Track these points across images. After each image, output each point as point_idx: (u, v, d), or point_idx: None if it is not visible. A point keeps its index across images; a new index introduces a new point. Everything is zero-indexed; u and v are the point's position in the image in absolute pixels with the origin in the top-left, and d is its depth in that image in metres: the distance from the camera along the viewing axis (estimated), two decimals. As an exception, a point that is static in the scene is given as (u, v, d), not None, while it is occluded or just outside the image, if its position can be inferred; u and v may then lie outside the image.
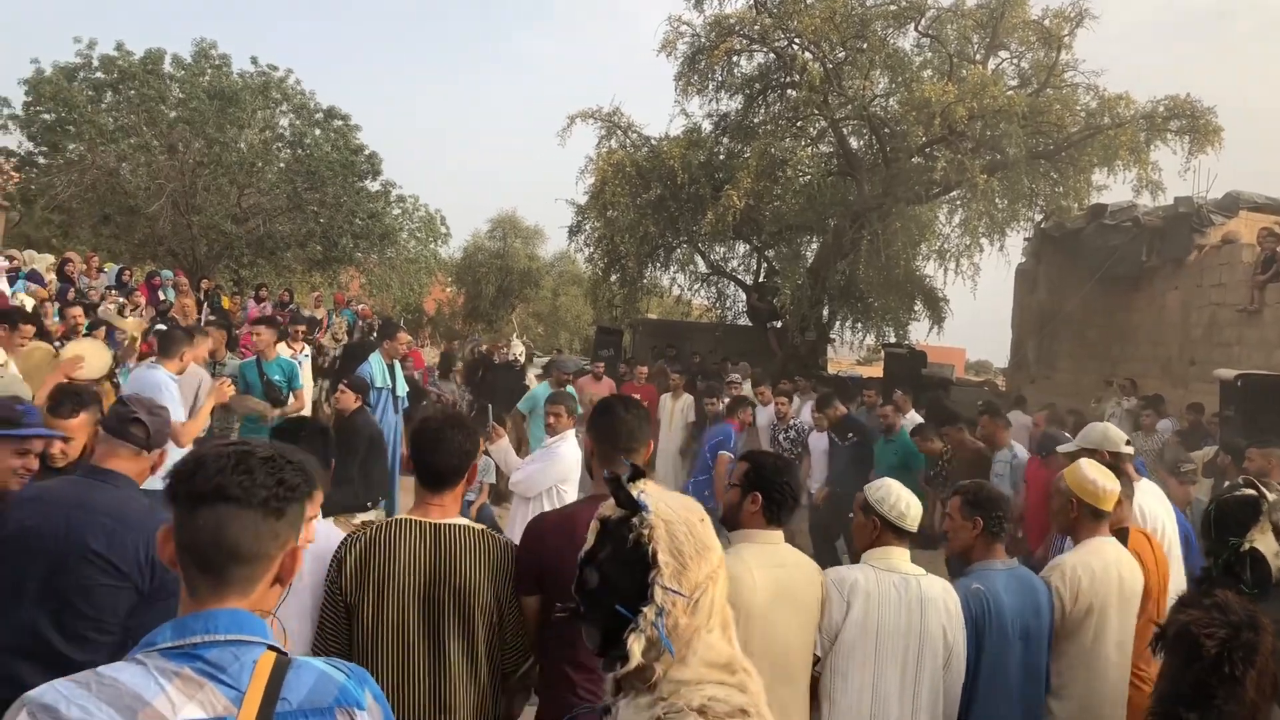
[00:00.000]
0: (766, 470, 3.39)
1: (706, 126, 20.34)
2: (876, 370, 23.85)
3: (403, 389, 9.55)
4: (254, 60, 24.35)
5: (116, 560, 2.97)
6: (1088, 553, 3.88)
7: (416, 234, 26.55)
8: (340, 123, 24.79)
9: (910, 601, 3.41)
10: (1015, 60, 18.99)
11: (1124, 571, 3.86)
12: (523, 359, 14.56)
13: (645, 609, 1.48)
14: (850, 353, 28.54)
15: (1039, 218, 18.48)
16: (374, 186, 24.90)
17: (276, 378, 8.74)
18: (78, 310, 9.65)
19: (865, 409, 12.24)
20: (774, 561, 3.26)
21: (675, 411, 12.04)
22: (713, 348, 20.45)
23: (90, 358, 7.64)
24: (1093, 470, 3.97)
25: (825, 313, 20.43)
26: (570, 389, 9.90)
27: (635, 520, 1.54)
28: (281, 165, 23.91)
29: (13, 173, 23.25)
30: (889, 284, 18.49)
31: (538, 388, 10.36)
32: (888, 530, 3.54)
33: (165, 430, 3.45)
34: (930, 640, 3.40)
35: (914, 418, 10.93)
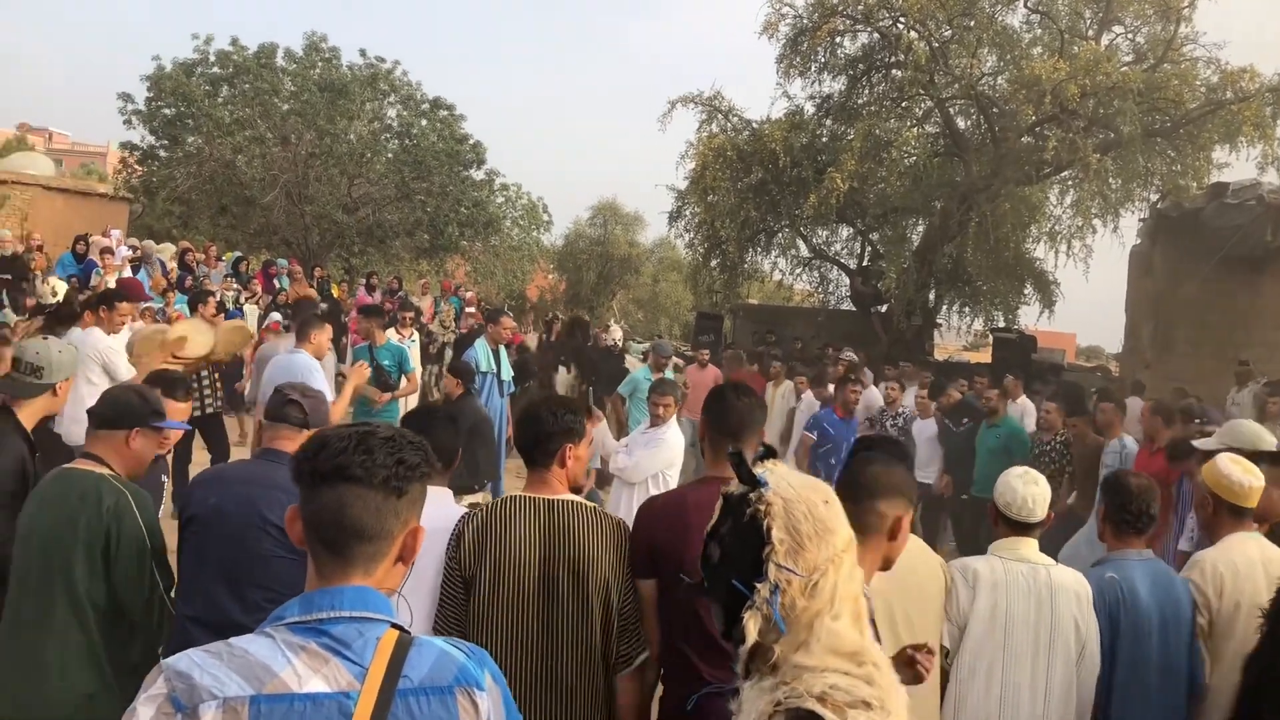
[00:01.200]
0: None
1: (809, 109, 20.10)
2: (985, 356, 23.32)
3: (508, 374, 9.70)
4: (363, 52, 24.88)
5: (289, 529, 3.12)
6: (1227, 549, 3.68)
7: (519, 222, 26.87)
8: (446, 113, 25.17)
9: (1040, 590, 3.31)
10: (1130, 35, 18.35)
11: (1272, 569, 3.59)
12: (621, 344, 14.64)
13: (760, 585, 1.48)
14: (957, 338, 27.98)
15: (1155, 198, 17.81)
16: (478, 175, 25.25)
17: (386, 363, 8.95)
18: (209, 304, 9.95)
19: (974, 395, 12.00)
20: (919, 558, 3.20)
21: (776, 398, 11.99)
22: (815, 333, 20.24)
23: (193, 337, 7.93)
24: (1231, 465, 3.74)
25: (931, 297, 20.06)
26: (670, 373, 9.92)
27: (753, 496, 1.54)
28: (390, 155, 24.39)
29: (136, 166, 24.30)
30: (998, 267, 18.07)
31: (638, 371, 10.40)
32: (1010, 524, 3.46)
33: (321, 409, 3.62)
34: (1062, 631, 3.29)
35: (1025, 404, 10.67)
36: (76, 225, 18.47)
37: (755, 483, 1.54)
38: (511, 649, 2.94)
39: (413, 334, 11.77)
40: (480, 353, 9.40)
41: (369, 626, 1.59)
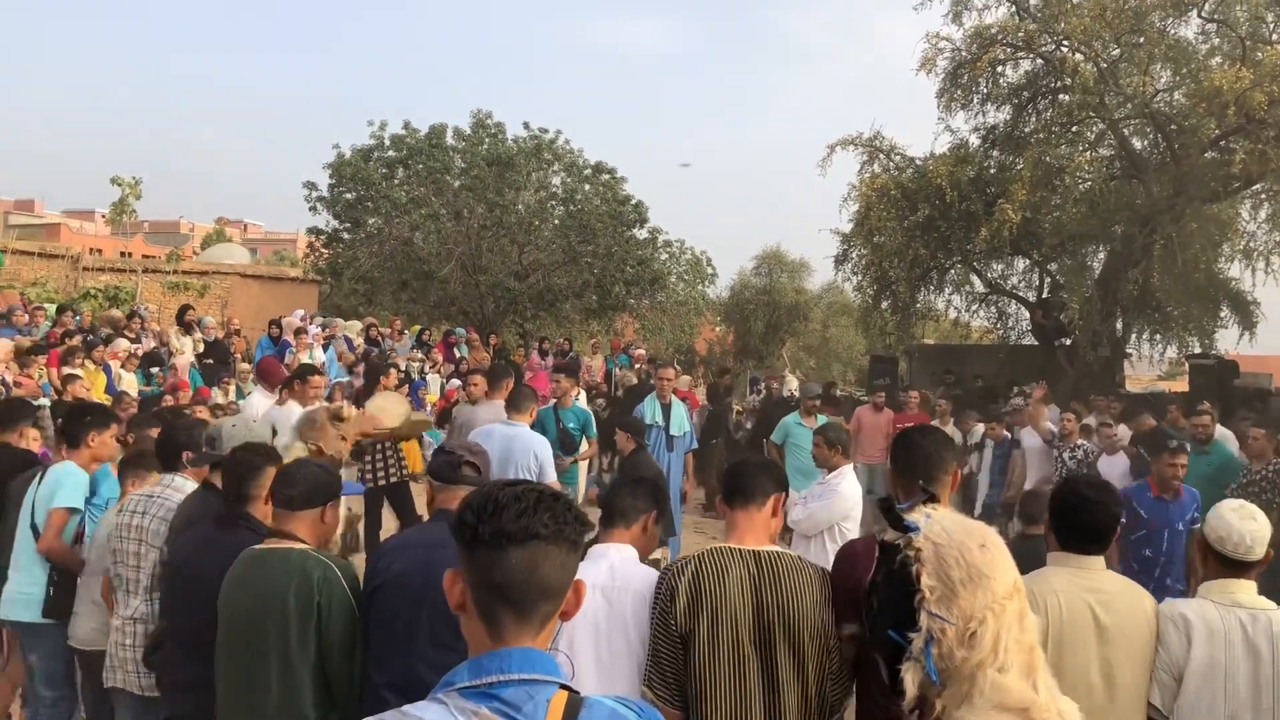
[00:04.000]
0: (1082, 496, 3.17)
1: (974, 141, 19.62)
2: (1183, 385, 21.98)
3: (679, 428, 9.62)
4: (526, 125, 25.74)
5: None
6: None
7: (684, 276, 27.06)
8: (607, 176, 25.72)
9: (1258, 640, 2.97)
10: (1319, 35, 17.19)
11: None
12: (798, 393, 14.44)
13: (914, 635, 1.41)
14: (1150, 367, 26.49)
15: (1360, 205, 16.54)
16: (642, 234, 25.62)
17: (571, 425, 9.10)
18: (391, 375, 10.41)
19: (1169, 425, 11.30)
20: (1087, 587, 3.01)
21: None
22: (997, 370, 19.53)
23: (389, 409, 8.25)
24: None
25: (1119, 326, 19.10)
26: (821, 418, 9.66)
27: (902, 542, 1.47)
28: (556, 221, 25.05)
29: (323, 249, 25.78)
30: (1189, 290, 17.07)
31: (788, 417, 10.07)
32: (1225, 563, 3.16)
33: (489, 466, 3.70)
34: None
35: (1223, 433, 9.97)
36: (271, 308, 19.67)
37: (904, 528, 1.47)
38: (736, 703, 2.89)
39: (579, 393, 11.95)
40: (649, 407, 9.44)
41: (539, 688, 1.58)
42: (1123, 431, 10.45)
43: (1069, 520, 3.14)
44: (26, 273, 20.48)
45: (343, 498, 3.86)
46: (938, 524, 1.49)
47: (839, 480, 5.93)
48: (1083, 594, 2.97)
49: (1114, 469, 9.36)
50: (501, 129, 25.49)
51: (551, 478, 6.77)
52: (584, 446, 9.27)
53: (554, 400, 9.50)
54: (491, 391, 7.45)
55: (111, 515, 4.71)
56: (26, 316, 13.66)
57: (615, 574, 3.21)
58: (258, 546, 3.46)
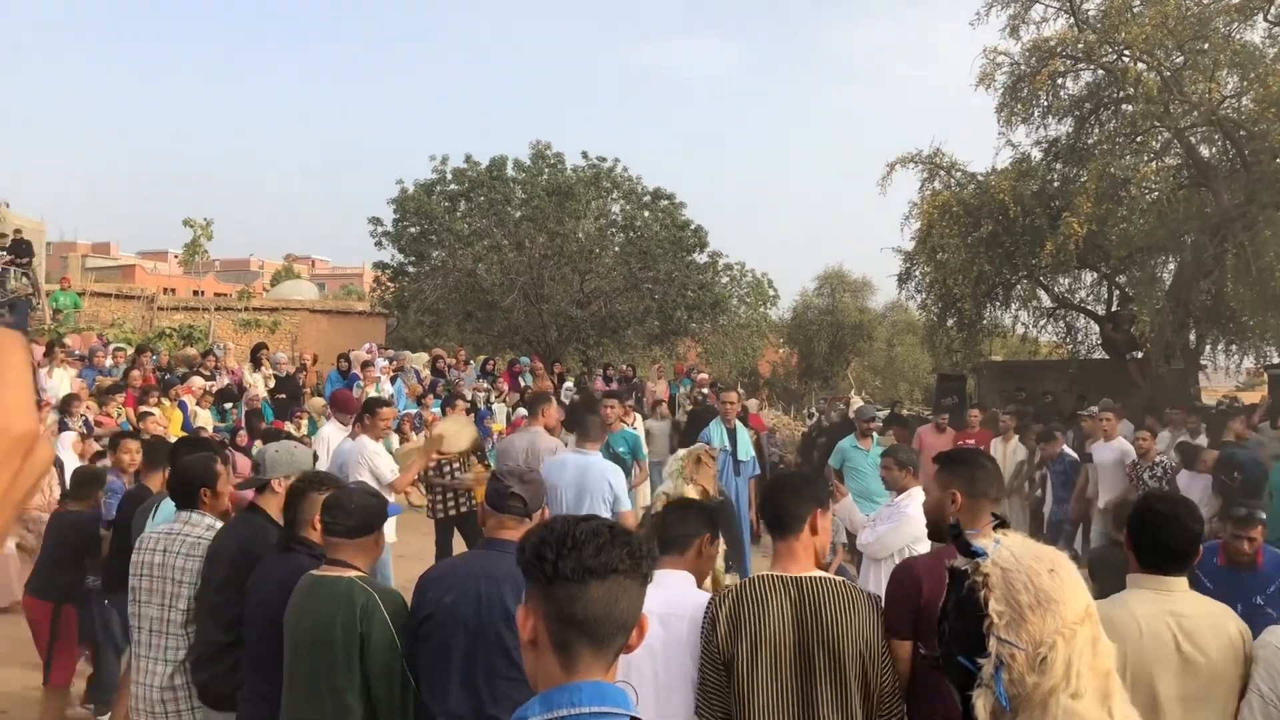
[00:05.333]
0: (1160, 513, 3.10)
1: (1036, 154, 19.42)
2: (1260, 396, 21.39)
3: (746, 453, 9.57)
4: (585, 154, 25.99)
5: None
6: None
7: (746, 299, 27.04)
8: (666, 202, 25.85)
9: None
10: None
11: None
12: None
13: (983, 661, 1.41)
14: (1226, 379, 25.83)
15: None
16: (702, 258, 25.67)
17: (621, 449, 9.12)
18: (457, 405, 10.55)
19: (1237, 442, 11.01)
20: (1168, 610, 2.93)
21: (1007, 455, 11.52)
22: (1067, 386, 19.21)
23: (453, 434, 8.34)
24: None
25: (1192, 337, 18.69)
26: (876, 439, 9.55)
27: (969, 568, 1.48)
28: (616, 249, 25.22)
29: (388, 283, 26.21)
30: (1264, 299, 16.64)
31: (844, 440, 9.94)
32: None
33: (541, 492, 3.70)
34: None
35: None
36: (340, 342, 20.02)
37: (972, 553, 1.48)
38: None
39: (635, 419, 11.96)
40: (714, 432, 9.40)
41: None
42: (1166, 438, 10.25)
43: (1145, 538, 3.08)
44: (105, 314, 21.09)
45: None
46: (1006, 549, 1.49)
47: (908, 502, 5.88)
48: (1163, 617, 2.90)
49: (1195, 487, 9.10)
50: (560, 159, 25.77)
51: (627, 506, 6.79)
52: (636, 472, 9.29)
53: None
54: (530, 418, 7.47)
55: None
56: (108, 358, 14.07)
57: (671, 601, 3.24)
58: (314, 572, 3.56)
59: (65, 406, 10.81)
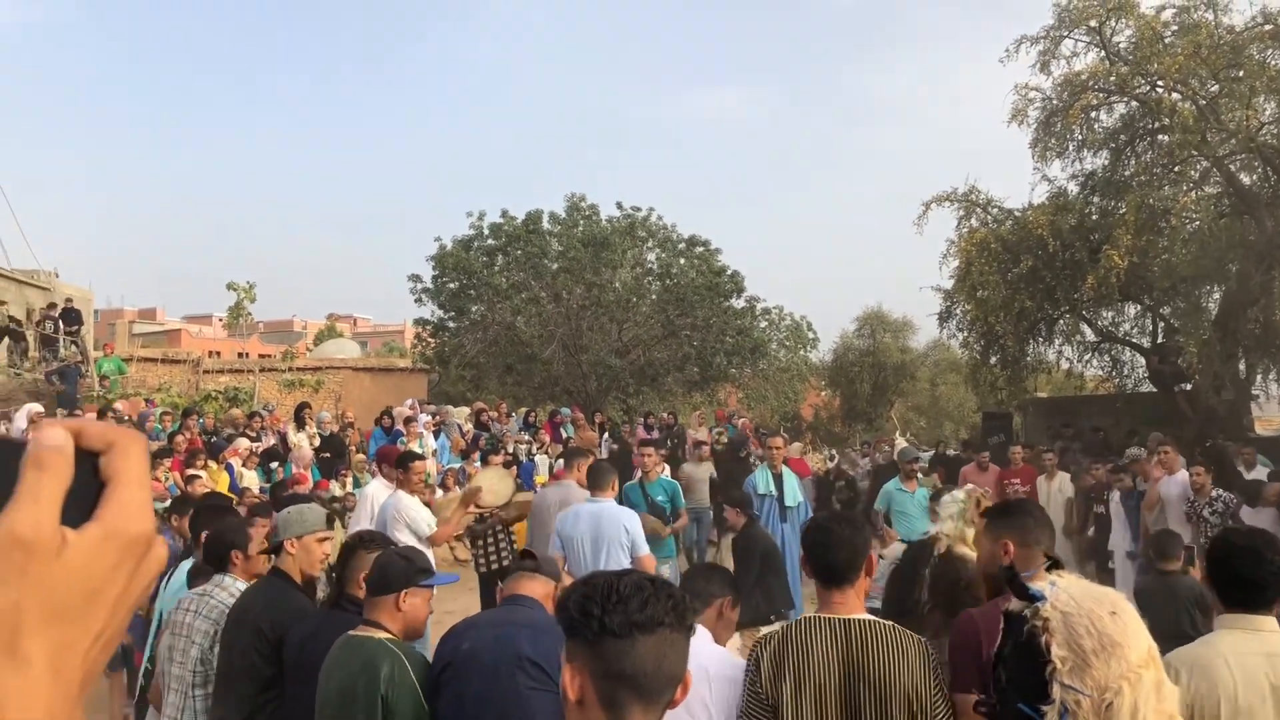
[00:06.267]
0: (1238, 546, 3.00)
1: (1072, 189, 19.30)
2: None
3: (793, 498, 9.47)
4: (619, 205, 26.24)
5: (542, 662, 3.23)
6: None
7: (785, 343, 26.99)
8: (701, 248, 25.98)
9: None
10: None
11: None
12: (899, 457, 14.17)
13: (1046, 708, 1.37)
14: (1280, 408, 25.36)
15: None
16: (739, 304, 25.71)
17: (660, 498, 9.08)
18: (499, 458, 10.59)
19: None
20: (1260, 650, 2.80)
21: (1053, 492, 11.35)
22: (1115, 420, 18.91)
23: (490, 486, 8.33)
24: None
25: (1241, 367, 18.37)
26: (921, 480, 9.44)
27: (1028, 612, 1.44)
28: (653, 297, 25.33)
29: (429, 339, 26.48)
30: (1314, 325, 16.38)
31: (889, 483, 9.83)
32: None
33: (556, 570, 3.78)
34: None
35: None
36: (383, 399, 20.15)
37: (1030, 597, 1.44)
38: None
39: (664, 470, 11.91)
40: (759, 477, 9.35)
41: None
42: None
43: (1226, 574, 2.95)
44: (152, 379, 21.44)
45: None
46: (1065, 592, 1.45)
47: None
48: (1256, 657, 2.77)
49: (1260, 521, 8.86)
50: (595, 210, 26.02)
51: (644, 550, 6.72)
52: (677, 520, 9.24)
53: (640, 475, 9.48)
54: (565, 471, 7.43)
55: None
56: (156, 422, 14.26)
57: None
58: (351, 632, 3.59)
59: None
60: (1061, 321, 20.16)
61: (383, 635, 3.52)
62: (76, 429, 0.63)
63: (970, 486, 6.31)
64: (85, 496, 0.62)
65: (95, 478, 0.62)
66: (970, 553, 4.04)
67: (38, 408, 13.07)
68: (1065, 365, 21.90)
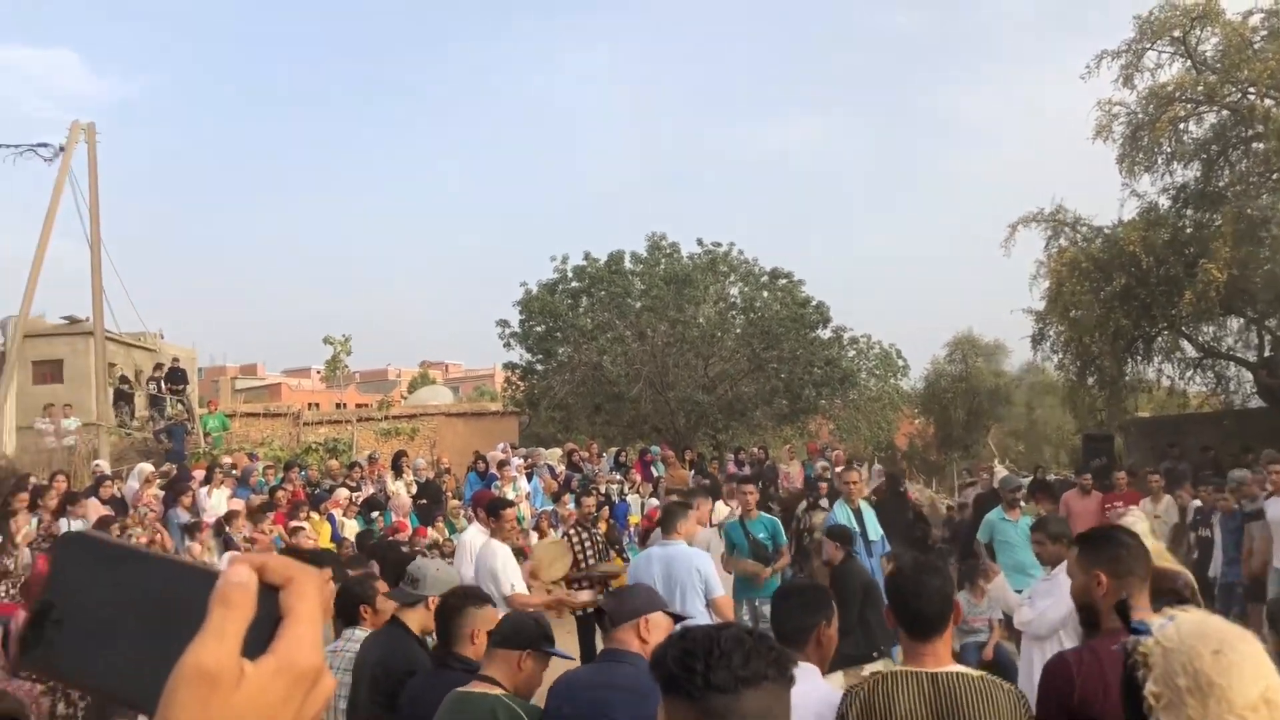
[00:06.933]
0: None
1: (1163, 202, 18.86)
2: None
3: (875, 532, 9.26)
4: (699, 241, 26.33)
5: None
6: None
7: (875, 372, 26.67)
8: (785, 280, 25.91)
9: None
10: None
11: None
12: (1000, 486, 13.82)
13: None
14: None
15: None
16: (826, 334, 25.52)
17: (761, 535, 8.97)
18: (590, 499, 10.66)
19: None
20: None
21: (1159, 516, 10.99)
22: (1223, 438, 18.27)
23: (546, 563, 8.31)
24: None
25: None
26: (1023, 508, 9.18)
27: (1130, 646, 1.43)
28: (738, 331, 25.29)
29: (519, 382, 26.80)
30: None
31: (991, 513, 9.56)
32: None
33: (639, 603, 3.68)
34: None
35: None
36: (476, 443, 20.44)
37: (1135, 631, 1.43)
38: None
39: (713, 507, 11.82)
40: (839, 512, 9.14)
41: None
42: None
43: None
44: (255, 433, 22.07)
45: None
46: (1174, 627, 1.43)
47: (1065, 574, 5.63)
48: None
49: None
50: (676, 248, 26.15)
51: (719, 592, 6.60)
52: (781, 558, 9.10)
53: (740, 512, 9.38)
54: (667, 532, 7.18)
55: None
56: (260, 476, 14.67)
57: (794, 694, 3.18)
58: (461, 689, 3.58)
59: (225, 524, 11.30)
60: (1160, 338, 19.66)
61: (498, 691, 3.52)
62: (260, 565, 0.70)
63: (1133, 507, 6.11)
64: (263, 629, 0.68)
65: (274, 611, 0.68)
66: (1172, 564, 3.92)
67: (149, 468, 13.54)
68: (1166, 383, 21.33)
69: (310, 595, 0.70)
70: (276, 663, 0.67)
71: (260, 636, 0.67)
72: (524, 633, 3.66)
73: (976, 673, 2.96)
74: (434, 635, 4.39)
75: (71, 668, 0.69)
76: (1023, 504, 9.63)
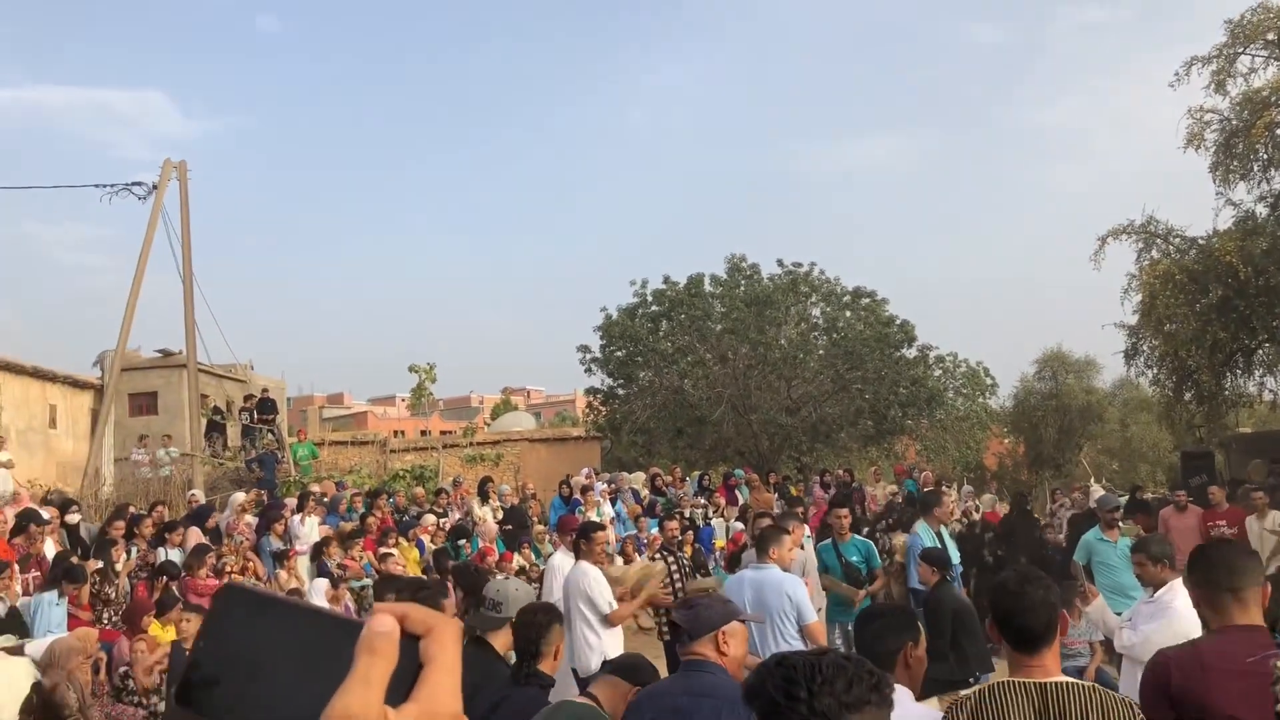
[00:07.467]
0: None
1: (1261, 211, 18.28)
2: None
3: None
4: (779, 262, 26.22)
5: None
6: None
7: (962, 391, 26.24)
8: (868, 300, 25.66)
9: None
10: None
11: None
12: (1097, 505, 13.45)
13: None
14: None
15: None
16: (911, 353, 25.20)
17: (854, 558, 8.89)
18: (674, 523, 10.62)
19: None
20: None
21: (1260, 531, 10.60)
22: (1332, 454, 17.59)
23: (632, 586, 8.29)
24: None
25: None
26: (1122, 529, 8.92)
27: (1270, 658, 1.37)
28: (821, 352, 25.09)
29: (600, 407, 26.92)
30: None
31: (1088, 534, 9.31)
32: None
33: (715, 615, 3.63)
34: None
35: None
36: (559, 468, 20.54)
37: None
38: None
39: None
40: (924, 535, 9.04)
41: None
42: None
43: None
44: (343, 461, 22.50)
45: None
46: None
47: (1172, 596, 5.44)
48: None
49: None
50: (756, 269, 26.10)
51: (811, 618, 6.52)
52: (876, 581, 8.99)
53: (832, 535, 9.30)
54: (761, 555, 7.11)
55: None
56: (349, 505, 14.92)
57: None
58: (568, 699, 3.70)
59: (317, 552, 11.50)
60: (1261, 351, 19.04)
61: (590, 703, 3.60)
62: (402, 614, 0.72)
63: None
64: (405, 677, 0.70)
65: (415, 659, 0.71)
66: None
67: (243, 497, 13.85)
68: (1269, 397, 20.61)
69: (450, 644, 0.72)
70: (419, 710, 0.69)
71: (402, 684, 0.69)
72: (641, 672, 3.74)
73: (1087, 684, 2.92)
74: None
75: (221, 712, 0.70)
76: (1120, 524, 9.37)
